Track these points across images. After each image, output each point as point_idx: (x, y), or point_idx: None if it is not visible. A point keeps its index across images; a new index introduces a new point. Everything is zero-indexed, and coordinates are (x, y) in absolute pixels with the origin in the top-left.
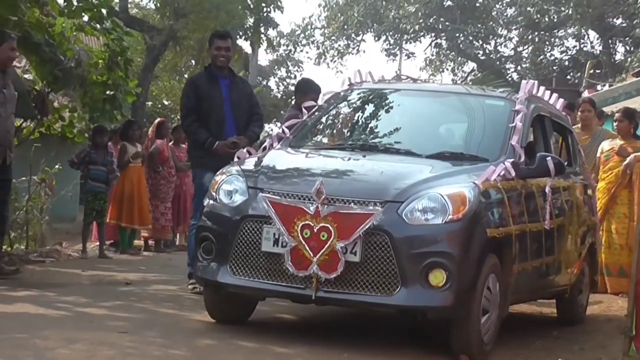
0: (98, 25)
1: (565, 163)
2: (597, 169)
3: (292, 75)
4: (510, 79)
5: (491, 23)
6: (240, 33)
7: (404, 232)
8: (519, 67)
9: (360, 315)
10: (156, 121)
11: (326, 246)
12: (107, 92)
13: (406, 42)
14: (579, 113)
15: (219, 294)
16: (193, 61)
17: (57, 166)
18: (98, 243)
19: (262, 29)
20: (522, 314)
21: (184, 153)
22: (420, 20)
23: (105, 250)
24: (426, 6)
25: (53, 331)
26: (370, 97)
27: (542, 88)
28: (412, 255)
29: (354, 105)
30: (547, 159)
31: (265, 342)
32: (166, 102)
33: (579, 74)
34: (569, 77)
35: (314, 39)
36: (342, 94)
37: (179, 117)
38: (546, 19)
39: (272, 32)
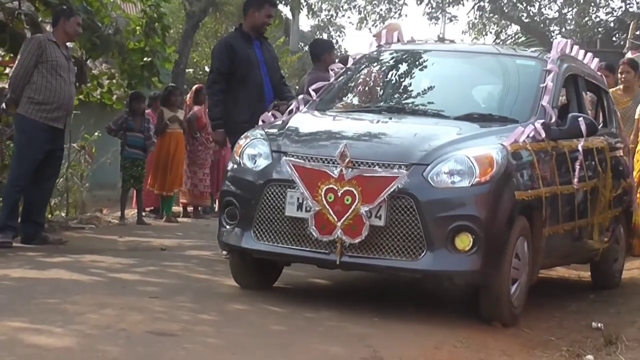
0: None
1: (601, 124)
2: (637, 130)
3: (334, 41)
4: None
5: None
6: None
7: (430, 196)
8: (563, 30)
9: (391, 280)
10: (194, 87)
11: (350, 210)
12: (145, 59)
13: (448, 6)
14: (619, 75)
15: (244, 260)
16: (234, 27)
17: (96, 133)
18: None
19: None
20: (559, 277)
21: None
22: None
23: (144, 217)
24: None
25: (84, 296)
26: (399, 59)
27: (575, 47)
28: (438, 218)
29: (382, 66)
30: (579, 119)
31: (296, 307)
32: (207, 69)
33: (624, 35)
34: (614, 38)
35: (356, 3)
36: (370, 55)
37: None
38: None
39: None
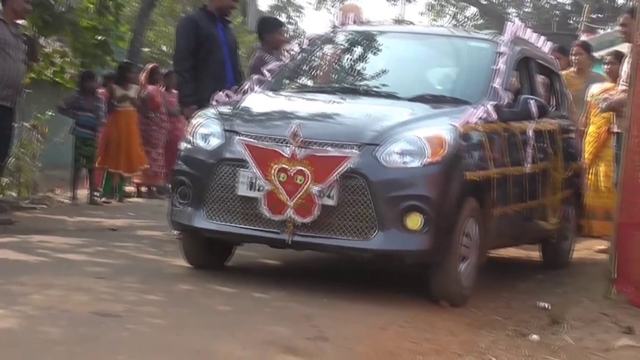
0: None
1: (553, 107)
2: (588, 112)
3: (293, 21)
4: (512, 23)
5: None
6: None
7: (381, 175)
8: (520, 12)
9: (342, 260)
10: (148, 67)
11: (302, 190)
12: (98, 38)
13: None
14: (572, 57)
15: (196, 239)
16: (189, 7)
17: (49, 113)
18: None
19: None
20: (509, 257)
21: (175, 99)
22: None
23: (96, 197)
24: None
25: (30, 277)
26: (354, 40)
27: (528, 30)
28: (389, 198)
29: (337, 47)
30: (530, 101)
31: (244, 287)
32: (164, 48)
33: (580, 19)
34: (570, 21)
35: None
36: (325, 36)
37: None
38: None
39: None
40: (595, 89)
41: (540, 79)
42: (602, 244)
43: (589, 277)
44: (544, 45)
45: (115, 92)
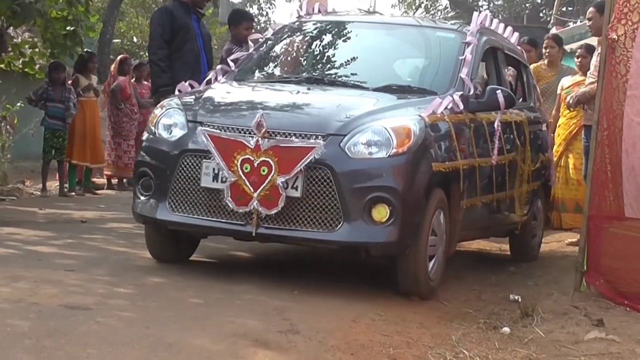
0: None
1: (520, 98)
2: (559, 105)
3: (264, 13)
4: None
5: None
6: None
7: (347, 166)
8: (491, 5)
9: (313, 252)
10: (118, 58)
11: (267, 181)
12: (68, 28)
13: None
14: (544, 50)
15: (159, 232)
16: None
17: (18, 104)
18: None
19: None
20: (480, 250)
21: (146, 90)
22: None
23: (66, 189)
24: None
25: None
26: (319, 30)
27: (495, 21)
28: (355, 190)
29: (302, 37)
30: (497, 91)
31: (215, 280)
32: (135, 40)
33: (551, 12)
34: (541, 14)
35: None
36: (290, 26)
37: (147, 53)
38: None
39: None
40: (566, 81)
41: (509, 70)
42: (573, 237)
43: (560, 270)
44: (511, 36)
45: (81, 82)
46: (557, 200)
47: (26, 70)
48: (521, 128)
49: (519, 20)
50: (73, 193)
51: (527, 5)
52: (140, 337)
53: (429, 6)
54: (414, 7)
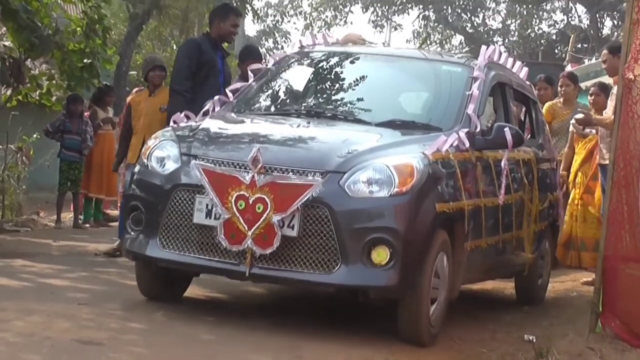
0: None
1: (529, 135)
2: (572, 143)
3: (280, 46)
4: None
5: None
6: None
7: (346, 205)
8: (506, 40)
9: (305, 292)
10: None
11: (262, 219)
12: (85, 60)
13: (394, 14)
14: (559, 88)
15: (149, 269)
16: (176, 31)
17: (35, 135)
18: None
19: (247, 0)
20: (494, 289)
21: None
22: None
23: (81, 221)
24: None
25: (12, 302)
26: (321, 61)
27: (504, 55)
28: (354, 230)
29: (304, 68)
30: (505, 129)
31: (226, 315)
32: None
33: (566, 48)
34: (556, 50)
35: (302, 9)
36: (291, 56)
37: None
38: None
39: (258, 3)
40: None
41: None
42: (588, 276)
43: (575, 310)
44: (520, 71)
45: (99, 114)
46: (575, 239)
47: (43, 101)
48: (529, 166)
49: (534, 56)
50: (87, 225)
51: (542, 41)
52: None
53: (443, 42)
54: (428, 42)
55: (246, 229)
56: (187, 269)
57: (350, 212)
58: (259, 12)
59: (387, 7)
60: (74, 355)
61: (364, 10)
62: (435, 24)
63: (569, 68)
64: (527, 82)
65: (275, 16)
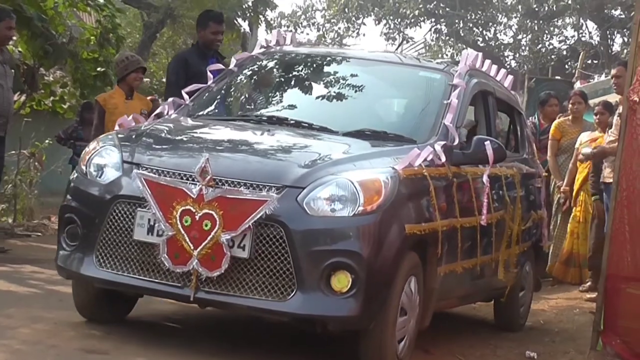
0: (90, 2)
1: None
2: (576, 159)
3: None
4: (508, 66)
5: (491, 10)
6: (239, 12)
7: (304, 225)
8: (517, 55)
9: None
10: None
11: (209, 237)
12: (98, 69)
13: (406, 27)
14: (570, 105)
15: (88, 289)
16: (190, 40)
17: (47, 141)
18: None
19: (260, 10)
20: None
21: None
22: (420, 6)
23: None
24: None
25: (19, 309)
26: (287, 63)
27: (487, 61)
28: (312, 253)
29: (267, 71)
30: (486, 143)
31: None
32: (164, 80)
33: (576, 64)
34: (566, 66)
35: (315, 20)
36: (255, 57)
37: None
38: (545, 8)
39: (271, 14)
40: (584, 136)
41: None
42: (592, 293)
43: (578, 327)
44: (505, 79)
45: None
46: (577, 256)
47: (56, 109)
48: (511, 183)
49: (545, 71)
50: None
51: (552, 57)
52: None
53: (454, 55)
54: (440, 56)
55: (192, 248)
56: (126, 290)
57: (309, 233)
58: (272, 22)
59: (399, 20)
60: None
61: (377, 22)
62: (447, 38)
63: (577, 85)
64: (513, 92)
65: (288, 27)
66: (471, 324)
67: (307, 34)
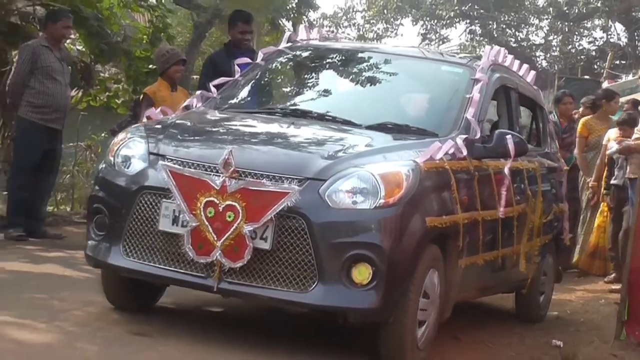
0: (143, 3)
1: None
2: (603, 155)
3: None
4: (539, 66)
5: (523, 12)
6: (283, 14)
7: (325, 217)
8: (548, 55)
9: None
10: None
11: (232, 229)
12: (150, 66)
13: (442, 28)
14: (612, 103)
15: (116, 277)
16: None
17: (103, 134)
18: None
19: (302, 11)
20: None
21: None
22: (455, 7)
23: None
24: None
25: (72, 293)
26: (313, 57)
27: (510, 56)
28: (333, 245)
29: (293, 64)
30: (507, 137)
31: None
32: None
33: (604, 64)
34: (595, 66)
35: (355, 21)
36: (282, 51)
37: None
38: (575, 10)
39: (314, 14)
40: (612, 133)
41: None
42: (616, 285)
43: (603, 317)
44: (527, 74)
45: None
46: (602, 249)
47: (110, 104)
48: (533, 177)
49: (574, 71)
50: None
51: (581, 57)
52: None
53: None
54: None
55: (215, 239)
56: (151, 280)
57: (330, 225)
58: (314, 23)
59: (435, 21)
60: (125, 347)
61: (414, 23)
62: (481, 38)
63: (605, 84)
64: (535, 87)
65: (330, 27)
66: (498, 314)
67: (348, 34)
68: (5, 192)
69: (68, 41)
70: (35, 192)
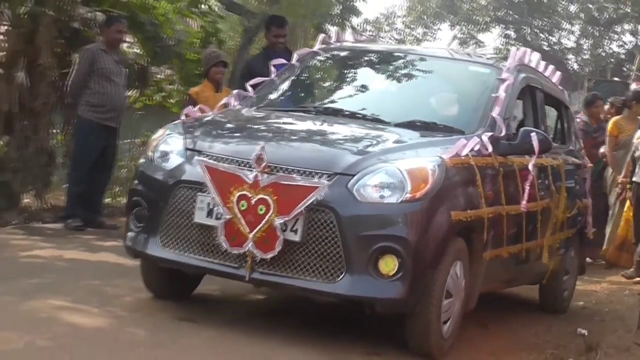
0: (195, 9)
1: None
2: (633, 154)
3: None
4: (571, 68)
5: (556, 17)
6: (328, 19)
7: (353, 211)
8: (579, 59)
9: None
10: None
11: (264, 221)
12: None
13: (478, 32)
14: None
15: (155, 267)
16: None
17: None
18: None
19: (346, 17)
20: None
21: None
22: (491, 13)
23: None
24: (496, 0)
25: (124, 280)
26: (344, 58)
27: (535, 56)
28: (361, 237)
29: (326, 65)
30: (532, 134)
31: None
32: None
33: (633, 67)
34: (624, 69)
35: (396, 26)
36: (316, 52)
37: None
38: (605, 16)
39: (356, 20)
40: None
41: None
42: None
43: (627, 308)
44: (553, 75)
45: None
46: (629, 242)
47: (164, 104)
48: (557, 173)
49: (604, 73)
50: None
51: (611, 60)
52: (234, 350)
53: None
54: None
55: (247, 231)
56: (187, 270)
57: (358, 218)
58: (357, 28)
59: (472, 26)
60: (171, 332)
61: (451, 28)
62: (515, 42)
63: (633, 86)
64: (560, 87)
65: (372, 32)
66: (526, 304)
67: (390, 38)
68: (66, 185)
69: (126, 45)
70: (93, 185)
